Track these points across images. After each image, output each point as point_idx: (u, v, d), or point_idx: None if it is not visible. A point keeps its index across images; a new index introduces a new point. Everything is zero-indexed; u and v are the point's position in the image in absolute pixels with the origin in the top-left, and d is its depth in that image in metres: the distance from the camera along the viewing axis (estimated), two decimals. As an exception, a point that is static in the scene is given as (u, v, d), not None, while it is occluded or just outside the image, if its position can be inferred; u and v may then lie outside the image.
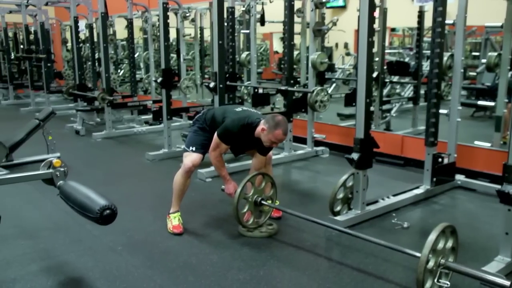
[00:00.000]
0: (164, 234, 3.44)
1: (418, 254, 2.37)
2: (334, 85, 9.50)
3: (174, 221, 3.51)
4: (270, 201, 3.40)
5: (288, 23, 5.07)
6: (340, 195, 3.54)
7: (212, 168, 4.85)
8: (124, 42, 10.38)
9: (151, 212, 3.93)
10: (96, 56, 8.75)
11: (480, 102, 5.49)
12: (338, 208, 3.55)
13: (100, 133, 6.94)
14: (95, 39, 8.83)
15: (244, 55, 6.94)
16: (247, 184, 3.31)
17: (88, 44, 9.51)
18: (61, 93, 10.49)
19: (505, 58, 4.59)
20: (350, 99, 5.65)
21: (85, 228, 3.42)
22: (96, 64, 8.70)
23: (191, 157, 3.48)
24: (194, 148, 3.51)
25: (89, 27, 8.81)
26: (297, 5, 5.52)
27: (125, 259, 3.04)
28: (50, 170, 2.66)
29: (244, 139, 3.40)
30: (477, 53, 8.58)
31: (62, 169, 2.67)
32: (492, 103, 4.81)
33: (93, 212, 2.27)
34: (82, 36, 9.72)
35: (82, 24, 8.82)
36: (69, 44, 10.96)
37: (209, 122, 3.53)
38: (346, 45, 10.59)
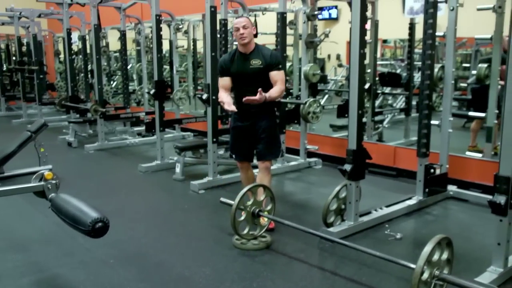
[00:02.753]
0: (157, 247, 3.41)
1: (412, 266, 2.37)
2: (326, 96, 9.54)
3: None
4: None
5: (281, 35, 5.10)
6: (333, 206, 3.54)
7: (205, 180, 4.85)
8: (117, 54, 10.38)
9: (144, 224, 3.91)
10: (89, 67, 8.75)
11: (471, 113, 5.53)
12: (332, 219, 3.54)
13: (93, 145, 6.91)
14: (88, 51, 8.84)
15: (237, 66, 6.94)
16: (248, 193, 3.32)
17: (81, 56, 9.51)
18: (53, 105, 10.46)
19: (494, 69, 4.63)
20: (342, 110, 5.69)
21: (77, 241, 3.39)
22: (89, 75, 8.70)
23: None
24: (234, 156, 3.80)
25: (82, 38, 8.81)
26: (290, 17, 5.56)
27: (118, 272, 3.02)
28: (42, 183, 2.64)
29: (233, 63, 3.60)
30: (467, 65, 8.65)
31: (53, 181, 2.65)
32: (483, 114, 4.85)
33: (85, 225, 2.25)
34: (75, 47, 9.72)
35: (75, 36, 8.83)
36: (61, 56, 10.96)
37: None
38: (338, 57, 10.67)
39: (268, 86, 3.49)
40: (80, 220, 2.29)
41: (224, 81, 3.66)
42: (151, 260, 3.18)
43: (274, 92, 3.47)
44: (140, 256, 3.26)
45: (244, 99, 3.38)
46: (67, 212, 2.40)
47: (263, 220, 3.42)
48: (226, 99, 3.52)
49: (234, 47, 8.02)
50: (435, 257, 2.38)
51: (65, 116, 9.30)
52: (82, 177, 5.52)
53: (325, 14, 10.42)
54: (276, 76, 3.53)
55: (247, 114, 3.63)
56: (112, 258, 3.21)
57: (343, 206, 3.60)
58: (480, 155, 4.91)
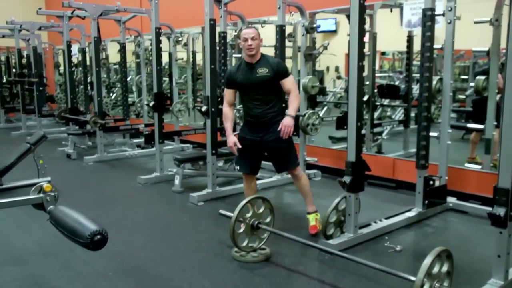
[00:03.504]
0: (156, 259, 3.40)
1: (412, 278, 2.36)
2: (325, 108, 9.56)
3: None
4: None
5: (280, 48, 5.13)
6: (333, 219, 3.53)
7: (204, 192, 4.85)
8: (117, 66, 10.42)
9: (143, 237, 3.89)
10: (89, 79, 8.77)
11: (470, 125, 5.55)
12: (331, 231, 3.53)
13: (92, 157, 6.91)
14: (88, 63, 8.87)
15: (236, 78, 6.98)
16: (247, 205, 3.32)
17: (80, 68, 9.54)
18: (53, 117, 10.46)
19: (492, 81, 4.66)
20: (341, 122, 5.70)
21: (75, 253, 3.38)
22: (89, 87, 8.71)
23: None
24: (237, 168, 3.85)
25: (82, 51, 8.85)
26: (289, 29, 5.59)
27: (116, 285, 3.00)
28: (41, 195, 2.63)
29: (240, 74, 3.64)
30: (465, 77, 8.70)
31: (52, 193, 2.64)
32: (481, 126, 4.86)
33: (84, 238, 2.24)
34: (74, 60, 9.76)
35: (75, 48, 8.87)
36: (61, 68, 10.99)
37: None
38: (337, 69, 10.72)
39: (275, 93, 3.64)
40: (79, 232, 2.27)
41: (229, 95, 3.75)
42: (150, 273, 3.17)
43: (293, 102, 3.61)
44: (138, 269, 3.25)
45: (280, 134, 3.50)
46: (66, 225, 2.38)
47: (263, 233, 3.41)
48: (229, 130, 3.66)
49: (233, 59, 8.10)
50: (435, 269, 2.37)
51: (65, 128, 9.31)
52: (81, 189, 5.51)
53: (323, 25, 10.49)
54: (288, 83, 3.62)
55: (257, 126, 3.68)
56: (110, 270, 3.19)
57: (342, 218, 3.59)
58: (479, 166, 4.92)
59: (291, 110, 3.56)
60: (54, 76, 11.67)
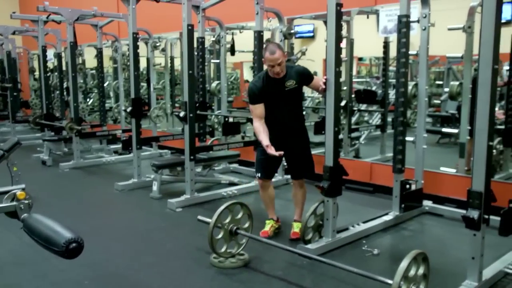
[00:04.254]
0: (134, 266, 3.36)
1: (389, 281, 2.39)
2: (304, 113, 9.61)
3: (265, 227, 3.88)
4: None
5: (258, 53, 5.15)
6: (311, 223, 3.55)
7: (182, 198, 4.82)
8: (94, 71, 10.30)
9: (120, 244, 3.84)
10: (65, 85, 8.64)
11: (445, 129, 5.65)
12: (310, 236, 3.55)
13: (68, 163, 6.80)
14: (64, 68, 8.75)
15: (214, 84, 6.99)
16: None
17: (56, 73, 9.40)
18: (27, 123, 10.27)
19: (466, 86, 4.76)
20: (319, 127, 5.73)
21: (50, 262, 3.31)
22: (65, 93, 8.59)
23: (258, 182, 3.95)
24: (258, 175, 3.83)
25: (58, 56, 8.73)
26: (267, 35, 5.62)
27: (92, 294, 2.95)
28: (14, 203, 2.57)
29: (267, 88, 3.63)
30: (440, 82, 8.86)
31: (26, 201, 2.59)
32: (455, 130, 4.95)
33: (59, 246, 2.19)
34: (50, 65, 9.61)
35: (50, 53, 8.74)
36: (36, 73, 10.81)
37: None
38: (315, 74, 10.78)
39: (300, 101, 3.84)
40: (53, 240, 2.23)
41: (259, 109, 3.68)
42: (128, 281, 3.13)
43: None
44: (116, 277, 3.20)
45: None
46: (40, 233, 2.34)
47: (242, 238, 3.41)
48: (266, 141, 3.56)
49: (212, 65, 8.07)
50: (412, 272, 2.40)
51: (40, 134, 9.14)
52: (57, 196, 5.42)
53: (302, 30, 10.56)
54: (316, 81, 3.71)
55: (284, 134, 3.74)
56: (87, 279, 3.14)
57: (320, 223, 3.61)
58: (454, 170, 5.01)
59: None
60: (29, 81, 11.46)
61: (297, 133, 3.80)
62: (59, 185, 6.05)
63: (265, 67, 3.68)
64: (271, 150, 3.49)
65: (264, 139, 3.57)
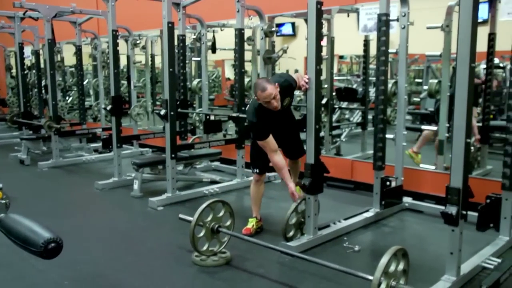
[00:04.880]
0: (115, 266, 3.33)
1: (370, 277, 2.41)
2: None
3: (248, 224, 3.89)
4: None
5: (239, 51, 5.14)
6: (293, 220, 3.56)
7: (164, 196, 4.79)
8: (73, 69, 10.16)
9: (101, 244, 3.80)
10: (43, 83, 8.50)
11: (424, 127, 5.72)
12: (291, 233, 3.56)
13: (47, 163, 6.70)
14: (42, 66, 8.60)
15: (195, 82, 6.96)
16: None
17: (34, 71, 9.24)
18: (4, 121, 10.09)
19: (444, 84, 4.83)
20: (301, 125, 5.74)
21: (28, 262, 3.26)
22: (43, 91, 8.45)
23: (253, 177, 3.96)
24: (256, 170, 3.86)
25: (36, 53, 8.57)
26: (248, 33, 5.62)
27: (72, 294, 2.92)
28: (-10, 203, 2.53)
29: (268, 117, 3.61)
30: (420, 80, 8.97)
31: (3, 201, 2.53)
32: (435, 128, 5.03)
33: (37, 246, 2.15)
34: (27, 62, 9.44)
35: (27, 50, 8.58)
36: (13, 71, 10.61)
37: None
38: (296, 72, 10.82)
39: (291, 104, 3.92)
40: (32, 241, 2.19)
41: (272, 143, 3.62)
42: (108, 281, 3.10)
43: None
44: (96, 277, 3.17)
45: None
46: (18, 233, 2.29)
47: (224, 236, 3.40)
48: (291, 184, 3.60)
49: (193, 63, 8.02)
50: (392, 268, 2.43)
51: (17, 133, 8.98)
52: (35, 196, 5.33)
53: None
54: (299, 79, 3.66)
55: (278, 132, 3.78)
56: (66, 279, 3.10)
57: (302, 220, 3.63)
58: (433, 167, 5.08)
59: None
60: (6, 79, 11.23)
61: (289, 128, 3.98)
62: (38, 185, 5.96)
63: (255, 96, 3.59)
64: (293, 189, 3.58)
65: (287, 177, 3.62)
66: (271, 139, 3.61)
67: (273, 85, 3.47)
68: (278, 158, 3.62)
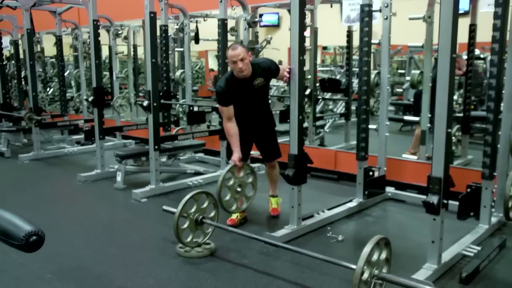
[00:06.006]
0: (98, 259, 3.30)
1: (353, 266, 2.43)
2: (269, 102, 9.63)
3: (232, 215, 3.86)
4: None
5: (222, 42, 5.11)
6: (230, 183, 3.53)
7: (147, 188, 4.76)
8: (53, 60, 10.00)
9: (84, 236, 3.77)
10: (23, 74, 8.36)
11: (407, 117, 5.79)
12: (227, 197, 3.52)
13: (28, 155, 6.60)
14: (21, 56, 8.44)
15: (178, 73, 6.91)
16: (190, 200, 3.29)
17: (13, 62, 9.07)
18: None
19: (426, 75, 4.87)
20: (284, 116, 5.76)
21: (9, 256, 3.22)
22: (23, 82, 8.30)
23: None
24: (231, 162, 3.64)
25: (14, 43, 8.40)
26: (231, 23, 5.58)
27: (55, 287, 2.89)
28: (-30, 196, 2.48)
29: (237, 90, 3.62)
30: (403, 71, 9.04)
31: (-17, 194, 2.50)
32: (417, 118, 5.08)
33: (18, 239, 2.12)
34: (6, 53, 9.25)
35: (6, 40, 8.42)
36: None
37: None
38: (280, 63, 10.79)
39: (267, 94, 3.89)
40: (12, 234, 2.15)
41: (229, 111, 3.67)
42: (91, 273, 3.07)
43: None
44: (79, 269, 3.14)
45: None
46: (-2, 226, 2.26)
47: (207, 227, 3.40)
48: (236, 148, 3.59)
49: (176, 53, 7.97)
50: (374, 257, 2.46)
51: (-3, 125, 8.84)
52: (16, 189, 5.25)
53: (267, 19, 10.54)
54: (282, 70, 3.69)
55: (251, 128, 3.82)
56: (49, 272, 3.07)
57: (239, 190, 3.60)
58: (415, 157, 5.13)
59: None
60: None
61: (265, 123, 3.92)
62: (19, 177, 5.87)
63: (229, 68, 3.65)
64: (236, 157, 3.55)
65: (235, 144, 3.62)
66: (230, 108, 3.66)
67: (246, 50, 3.56)
68: (231, 125, 3.67)
